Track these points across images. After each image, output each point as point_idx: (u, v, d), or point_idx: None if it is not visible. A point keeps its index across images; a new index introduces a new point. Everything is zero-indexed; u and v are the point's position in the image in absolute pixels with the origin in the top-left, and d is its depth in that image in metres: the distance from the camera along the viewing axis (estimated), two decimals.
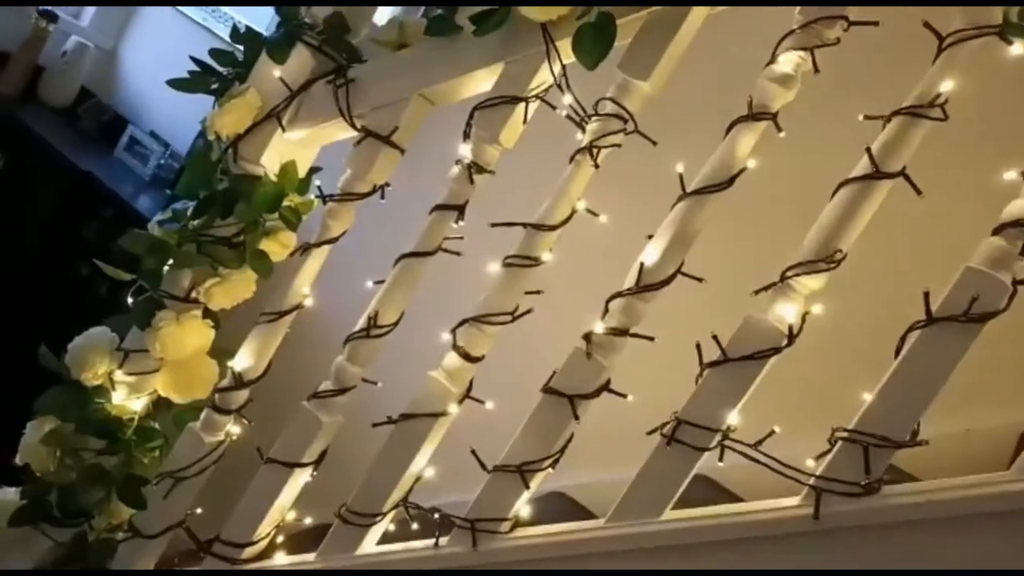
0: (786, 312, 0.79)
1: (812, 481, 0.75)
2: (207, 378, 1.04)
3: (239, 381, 1.00)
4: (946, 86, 0.77)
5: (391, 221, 1.18)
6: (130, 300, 1.04)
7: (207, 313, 1.05)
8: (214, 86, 1.06)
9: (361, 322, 0.96)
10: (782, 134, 0.84)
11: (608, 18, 0.87)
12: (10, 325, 2.12)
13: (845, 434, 0.75)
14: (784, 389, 0.95)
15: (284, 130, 1.03)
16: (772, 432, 0.83)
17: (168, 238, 1.03)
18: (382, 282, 0.97)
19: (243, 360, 1.01)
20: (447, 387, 0.90)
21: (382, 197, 1.03)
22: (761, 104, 0.83)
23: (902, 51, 0.89)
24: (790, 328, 0.79)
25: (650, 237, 0.87)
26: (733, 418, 0.80)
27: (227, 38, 1.14)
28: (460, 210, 0.97)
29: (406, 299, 0.97)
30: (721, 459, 0.81)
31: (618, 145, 0.91)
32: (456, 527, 0.87)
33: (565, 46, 0.91)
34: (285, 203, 1.04)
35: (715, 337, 0.81)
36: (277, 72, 1.02)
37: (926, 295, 0.74)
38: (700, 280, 0.87)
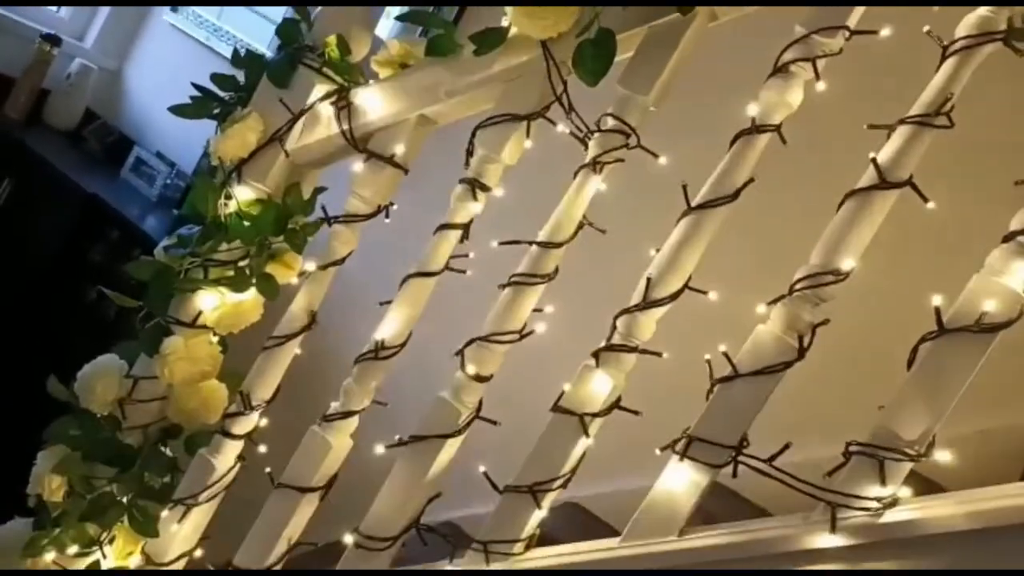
0: (796, 325, 0.79)
1: (828, 496, 0.74)
2: (217, 403, 1.04)
3: (248, 405, 1.00)
4: (951, 94, 0.76)
5: (399, 240, 1.18)
6: (138, 327, 1.05)
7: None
8: (216, 111, 1.06)
9: (369, 344, 0.96)
10: (786, 145, 0.84)
11: (608, 34, 0.87)
12: (19, 352, 2.13)
13: (860, 448, 0.74)
14: (799, 401, 0.95)
15: (287, 153, 1.03)
16: (787, 446, 0.82)
17: (174, 264, 1.03)
18: (389, 302, 0.97)
19: (251, 385, 1.01)
20: (456, 407, 0.90)
21: (387, 217, 1.03)
22: (764, 116, 0.82)
23: (909, 59, 0.88)
24: (800, 341, 0.78)
25: (656, 251, 0.87)
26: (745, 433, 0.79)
27: (228, 56, 1.15)
28: (465, 229, 0.97)
29: (413, 319, 0.97)
30: (735, 475, 0.81)
31: (622, 160, 0.90)
32: (470, 549, 0.87)
33: (567, 63, 0.91)
34: (290, 225, 1.04)
35: (725, 353, 0.81)
36: (279, 95, 1.03)
37: (937, 308, 0.73)
38: (707, 294, 0.87)
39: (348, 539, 0.91)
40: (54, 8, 2.71)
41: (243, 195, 1.03)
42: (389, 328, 0.95)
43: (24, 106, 2.52)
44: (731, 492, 1.52)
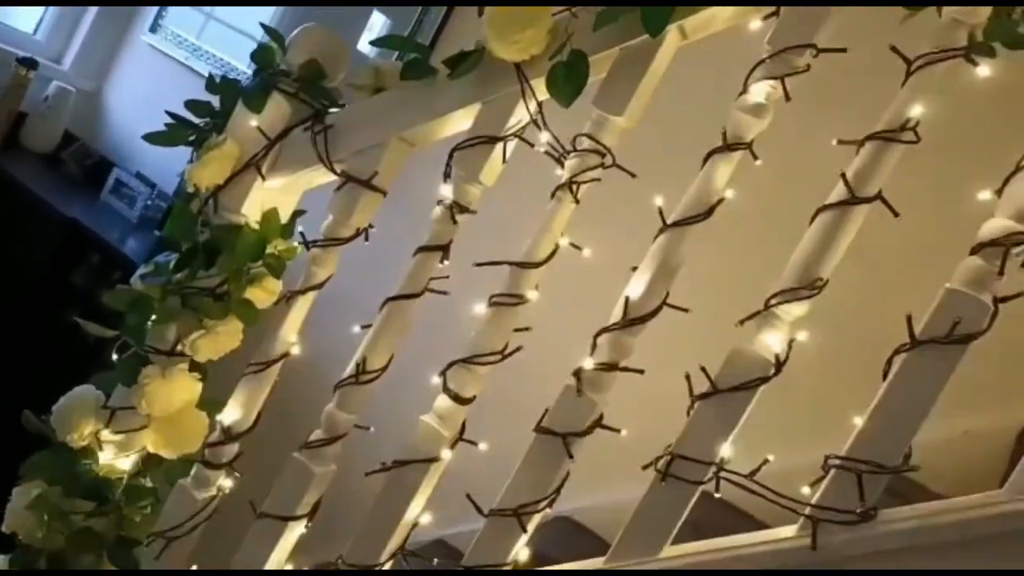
0: (772, 340, 0.80)
1: (808, 511, 0.75)
2: (197, 432, 1.03)
3: (228, 434, 0.99)
4: (916, 109, 0.78)
5: (379, 263, 1.18)
6: (115, 357, 1.03)
7: (194, 365, 1.04)
8: (191, 138, 1.06)
9: (350, 368, 0.96)
10: (758, 162, 0.85)
11: (580, 56, 0.88)
12: (1, 380, 2.10)
13: (838, 461, 0.75)
14: (779, 416, 0.95)
15: (264, 179, 1.03)
16: (766, 461, 0.83)
17: (151, 292, 1.02)
18: (369, 326, 0.97)
19: (231, 413, 1.01)
20: (439, 431, 0.90)
21: (366, 239, 1.03)
22: (735, 134, 0.83)
23: (878, 74, 0.90)
24: (776, 356, 0.79)
25: (634, 269, 0.87)
26: (726, 449, 0.79)
27: (216, 74, 1.14)
28: (444, 250, 0.97)
29: (395, 342, 0.97)
30: (717, 491, 0.81)
31: (598, 179, 0.91)
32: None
33: (540, 84, 0.91)
34: (268, 250, 1.04)
35: (703, 369, 0.81)
36: (254, 121, 1.03)
37: (909, 318, 0.74)
38: (686, 311, 0.87)
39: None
40: (30, 30, 2.69)
41: (220, 221, 1.02)
42: (370, 352, 0.95)
43: (1, 130, 2.50)
44: (721, 501, 1.53)
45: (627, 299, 0.85)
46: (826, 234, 0.78)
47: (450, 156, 0.96)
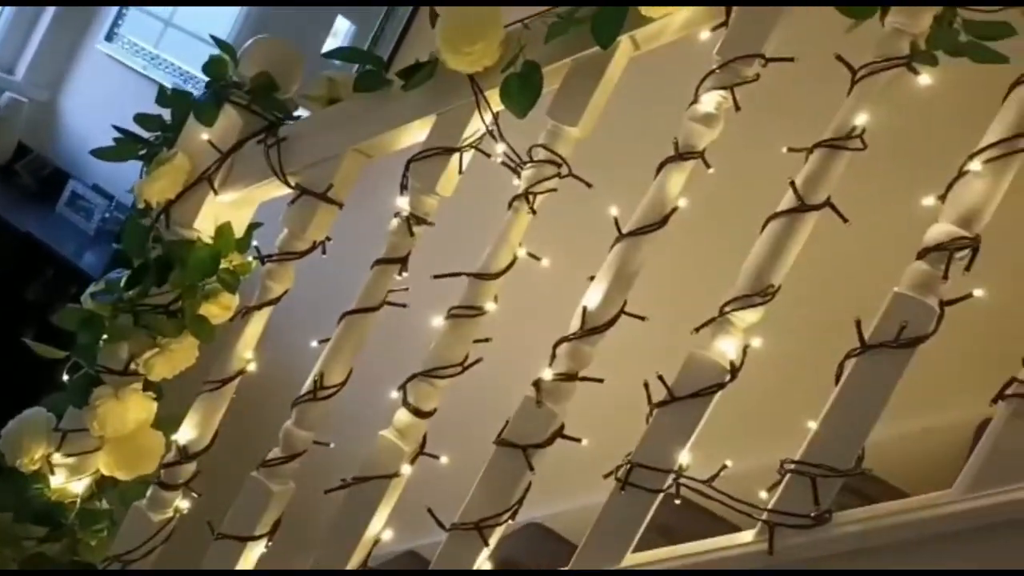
0: (726, 347, 0.80)
1: (765, 515, 0.76)
2: (152, 452, 1.00)
3: (184, 454, 0.97)
4: (862, 117, 0.79)
5: (348, 275, 1.17)
6: (66, 378, 1.01)
7: (149, 384, 1.02)
8: (142, 152, 1.04)
9: (307, 384, 0.94)
10: (711, 171, 0.86)
11: (534, 67, 0.88)
12: None
13: (793, 466, 0.76)
14: (739, 421, 0.96)
15: (216, 193, 1.01)
16: (724, 467, 0.84)
17: (102, 311, 1.00)
18: (327, 340, 0.96)
19: (187, 432, 0.99)
20: (399, 445, 0.89)
21: (323, 252, 1.02)
22: (687, 144, 0.84)
23: (828, 83, 0.91)
24: (731, 363, 0.80)
25: (592, 279, 0.87)
26: (685, 456, 0.80)
27: (168, 85, 1.12)
28: (403, 262, 0.96)
29: (353, 357, 0.95)
30: (677, 498, 0.81)
31: (554, 190, 0.91)
32: None
33: (496, 95, 0.91)
34: (223, 265, 1.02)
35: (660, 377, 0.82)
36: (206, 135, 1.01)
37: (858, 323, 0.75)
38: (643, 319, 0.88)
39: None
40: None
41: (172, 237, 1.00)
42: (328, 367, 0.94)
43: None
44: (687, 502, 1.53)
45: (584, 308, 0.85)
46: (777, 241, 0.79)
47: (406, 167, 0.95)
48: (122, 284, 1.01)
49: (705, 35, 0.87)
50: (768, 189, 0.88)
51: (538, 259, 0.94)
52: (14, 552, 0.97)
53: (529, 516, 1.76)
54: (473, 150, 0.95)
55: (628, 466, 0.80)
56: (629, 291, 0.86)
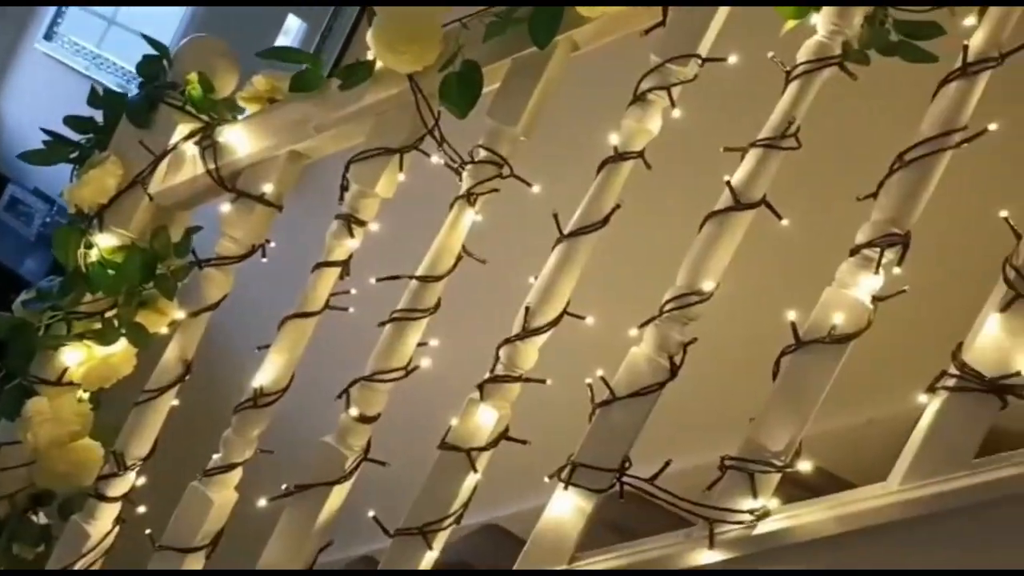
0: (666, 345, 0.81)
1: (705, 512, 0.76)
2: (90, 464, 0.98)
3: (123, 465, 0.95)
4: (795, 117, 0.80)
5: (276, 280, 1.14)
6: None
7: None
8: (72, 155, 1.00)
9: (248, 391, 0.92)
10: (650, 170, 0.86)
11: (473, 67, 0.87)
12: None
13: (732, 461, 0.77)
14: (683, 417, 0.96)
15: (151, 197, 0.99)
16: (668, 464, 0.84)
17: (33, 319, 0.96)
18: (268, 346, 0.94)
19: (125, 442, 0.96)
20: (340, 451, 0.88)
21: (263, 256, 1.00)
22: (626, 144, 0.84)
23: (766, 83, 0.92)
24: (672, 360, 0.80)
25: (535, 279, 0.87)
26: (628, 454, 0.80)
27: (112, 87, 1.09)
28: (344, 265, 0.94)
29: (294, 362, 0.94)
30: (621, 496, 0.82)
31: (496, 190, 0.91)
32: None
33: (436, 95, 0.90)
34: (160, 270, 0.99)
35: (603, 377, 0.82)
36: (139, 136, 0.98)
37: (792, 323, 0.76)
38: (583, 319, 0.88)
39: None
40: None
41: (106, 242, 0.97)
42: (268, 373, 0.92)
43: None
44: (641, 499, 1.55)
45: (527, 309, 0.85)
46: (714, 240, 0.80)
47: (346, 168, 0.94)
48: (55, 291, 0.98)
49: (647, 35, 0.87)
50: (712, 188, 0.88)
51: (482, 261, 0.93)
52: None
53: (491, 516, 1.75)
54: (415, 151, 0.94)
55: (571, 466, 0.80)
56: (571, 291, 0.86)
